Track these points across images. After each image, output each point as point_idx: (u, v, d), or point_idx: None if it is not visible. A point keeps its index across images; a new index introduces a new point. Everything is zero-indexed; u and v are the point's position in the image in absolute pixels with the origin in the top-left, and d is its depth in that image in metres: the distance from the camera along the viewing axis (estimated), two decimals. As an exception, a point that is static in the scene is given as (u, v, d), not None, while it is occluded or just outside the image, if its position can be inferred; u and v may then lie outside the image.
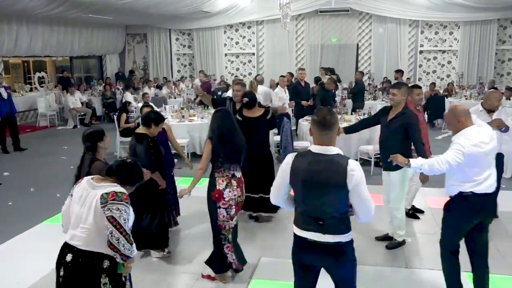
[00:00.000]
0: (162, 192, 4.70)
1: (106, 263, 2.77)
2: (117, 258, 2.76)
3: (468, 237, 3.65)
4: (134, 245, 2.78)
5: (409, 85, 5.88)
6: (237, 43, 17.85)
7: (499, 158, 4.85)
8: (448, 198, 3.67)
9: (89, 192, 2.78)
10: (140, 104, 9.78)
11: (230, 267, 4.15)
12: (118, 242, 2.67)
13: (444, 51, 16.31)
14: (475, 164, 3.45)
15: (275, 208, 5.40)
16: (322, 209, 2.69)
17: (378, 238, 5.10)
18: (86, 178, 2.90)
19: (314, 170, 2.65)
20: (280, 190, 2.88)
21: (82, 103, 13.61)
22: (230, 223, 4.00)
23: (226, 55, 18.00)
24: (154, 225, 4.59)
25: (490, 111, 5.14)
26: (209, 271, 4.23)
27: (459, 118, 3.52)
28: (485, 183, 3.52)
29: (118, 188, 2.78)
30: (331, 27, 16.70)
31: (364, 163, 7.61)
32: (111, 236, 2.66)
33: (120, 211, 2.69)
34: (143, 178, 3.05)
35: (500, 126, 4.83)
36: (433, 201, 6.21)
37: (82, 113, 13.57)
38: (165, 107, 10.97)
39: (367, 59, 16.81)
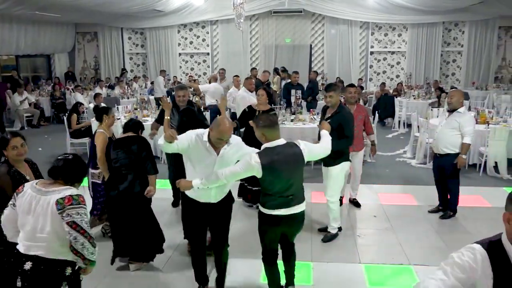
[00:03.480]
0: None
1: (68, 270, 2.68)
2: (78, 262, 2.67)
3: None
4: (97, 248, 2.71)
5: (345, 85, 6.23)
6: (191, 42, 17.70)
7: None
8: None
9: (40, 199, 2.62)
10: (92, 105, 9.53)
11: None
12: (82, 247, 2.59)
13: (393, 52, 16.88)
14: None
15: None
16: (293, 186, 3.34)
17: (320, 230, 5.24)
18: (28, 185, 2.73)
19: (285, 160, 3.25)
20: (239, 178, 3.55)
21: (29, 104, 13.05)
22: None
23: (180, 54, 17.81)
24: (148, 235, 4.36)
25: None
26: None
27: None
28: None
29: (73, 191, 2.65)
30: (285, 27, 16.90)
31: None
32: (75, 241, 2.57)
33: (80, 215, 2.59)
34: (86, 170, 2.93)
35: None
36: (385, 198, 6.43)
37: (30, 114, 13.03)
38: (117, 108, 10.71)
39: (320, 59, 17.12)
